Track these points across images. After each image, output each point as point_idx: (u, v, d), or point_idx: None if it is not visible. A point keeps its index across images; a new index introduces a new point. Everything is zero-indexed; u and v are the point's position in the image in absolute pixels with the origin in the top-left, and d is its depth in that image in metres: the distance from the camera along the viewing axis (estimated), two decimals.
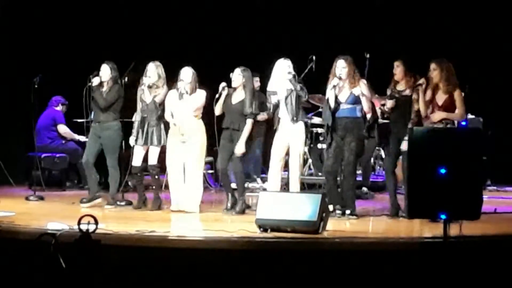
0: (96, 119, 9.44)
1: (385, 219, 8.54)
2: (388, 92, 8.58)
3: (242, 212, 8.87)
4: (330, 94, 8.50)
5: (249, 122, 8.89)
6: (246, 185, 10.88)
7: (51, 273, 6.35)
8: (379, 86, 9.13)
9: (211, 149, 9.77)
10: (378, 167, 11.62)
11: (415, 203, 6.77)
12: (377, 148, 11.08)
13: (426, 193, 6.59)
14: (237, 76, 8.92)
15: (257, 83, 10.43)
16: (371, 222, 8.40)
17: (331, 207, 8.14)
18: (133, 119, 9.37)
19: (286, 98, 8.81)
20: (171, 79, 9.20)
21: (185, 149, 9.01)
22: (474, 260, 6.62)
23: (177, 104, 9.05)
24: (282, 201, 7.45)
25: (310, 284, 6.60)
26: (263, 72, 9.32)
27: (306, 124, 9.01)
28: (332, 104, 8.49)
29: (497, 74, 11.77)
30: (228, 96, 8.95)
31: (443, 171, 6.53)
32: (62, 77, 11.46)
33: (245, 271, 6.65)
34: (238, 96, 8.94)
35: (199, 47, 12.31)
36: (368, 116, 8.58)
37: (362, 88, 8.42)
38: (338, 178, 8.81)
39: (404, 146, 8.28)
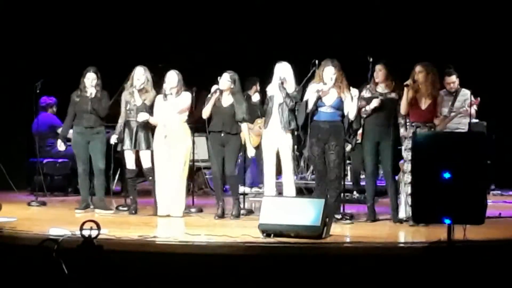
0: (85, 124, 9.39)
1: (388, 223, 8.51)
2: (364, 92, 8.57)
3: (238, 215, 8.87)
4: (311, 96, 8.45)
5: (244, 125, 8.92)
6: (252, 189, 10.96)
7: (54, 279, 6.32)
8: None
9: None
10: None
11: (419, 207, 6.74)
12: None
13: (430, 197, 6.57)
14: (225, 80, 8.90)
15: (255, 87, 10.43)
16: (375, 227, 8.37)
17: None
18: (119, 122, 9.37)
19: (280, 104, 8.82)
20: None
21: (170, 153, 8.99)
22: (478, 264, 6.59)
23: (162, 105, 9.04)
24: (285, 206, 7.43)
25: None
26: (265, 76, 9.31)
27: (297, 129, 8.96)
28: (310, 107, 8.45)
29: (501, 78, 11.73)
30: (218, 99, 8.93)
31: (447, 175, 6.51)
32: (62, 82, 11.43)
33: (248, 276, 6.63)
34: (228, 99, 8.94)
35: (198, 51, 12.30)
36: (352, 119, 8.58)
37: (352, 93, 8.44)
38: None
39: (405, 154, 8.30)
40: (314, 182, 10.79)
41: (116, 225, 8.10)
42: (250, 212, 9.22)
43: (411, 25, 11.89)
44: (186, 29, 12.50)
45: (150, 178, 9.21)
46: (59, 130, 11.21)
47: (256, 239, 7.16)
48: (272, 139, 8.93)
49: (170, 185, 8.98)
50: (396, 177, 8.63)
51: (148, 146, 9.17)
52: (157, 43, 12.24)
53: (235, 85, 8.94)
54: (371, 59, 8.63)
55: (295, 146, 9.45)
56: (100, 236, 6.52)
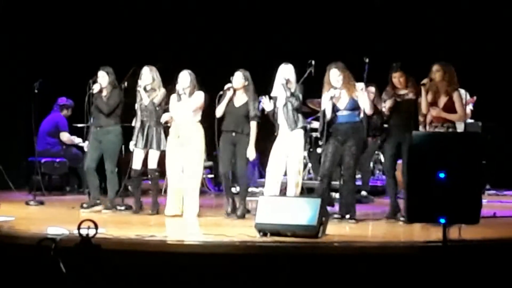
0: (97, 124, 9.44)
1: (384, 223, 8.55)
2: (384, 95, 8.63)
3: (243, 216, 8.87)
4: (327, 105, 8.51)
5: (254, 125, 8.91)
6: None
7: (51, 278, 6.35)
8: (379, 90, 9.16)
9: (211, 153, 9.77)
10: (377, 171, 11.64)
11: (414, 207, 6.78)
12: (376, 152, 11.10)
13: (425, 197, 6.60)
14: (239, 78, 8.93)
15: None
16: (371, 226, 8.40)
17: None
18: (133, 124, 9.39)
19: (283, 105, 8.83)
20: (171, 84, 9.21)
21: (183, 154, 9.00)
22: (473, 264, 6.63)
23: (176, 106, 9.07)
24: (281, 206, 7.45)
25: None
26: (261, 77, 9.33)
27: (305, 129, 9.00)
28: (328, 115, 8.51)
29: (496, 78, 11.77)
30: (230, 98, 8.95)
31: (442, 175, 6.53)
32: (62, 82, 11.47)
33: (245, 276, 6.65)
34: (240, 98, 8.95)
35: (199, 53, 12.32)
36: (374, 116, 8.68)
37: (358, 86, 8.46)
38: (336, 182, 8.82)
39: None
40: (311, 181, 10.94)
41: (114, 224, 8.13)
42: (246, 211, 9.23)
43: (409, 25, 11.92)
44: (186, 34, 12.54)
45: (153, 177, 9.23)
46: (61, 135, 11.29)
47: (252, 238, 7.19)
48: (281, 140, 8.89)
49: (183, 186, 8.98)
50: None
51: (158, 146, 9.19)
52: (156, 46, 12.25)
53: (249, 82, 8.96)
54: (367, 60, 8.66)
55: (308, 146, 9.40)
56: (97, 235, 6.54)
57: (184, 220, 8.81)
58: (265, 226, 7.34)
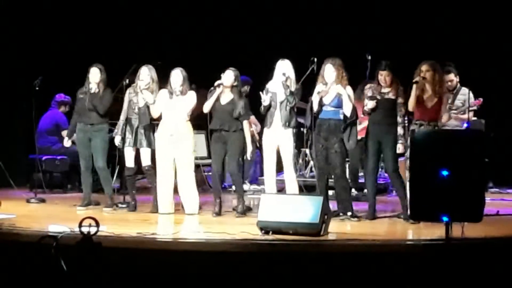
0: (87, 121, 9.40)
1: (387, 221, 8.53)
2: (369, 93, 8.60)
3: (244, 213, 8.85)
4: (315, 98, 8.54)
5: (245, 123, 8.93)
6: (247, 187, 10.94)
7: (52, 276, 6.34)
8: None
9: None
10: (380, 169, 11.55)
11: (417, 205, 6.76)
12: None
13: (428, 195, 6.58)
14: (230, 76, 8.93)
15: (248, 87, 10.48)
16: (373, 224, 8.37)
17: None
18: (120, 118, 9.36)
19: (281, 102, 8.85)
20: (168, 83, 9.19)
21: (176, 152, 8.99)
22: (476, 262, 6.61)
23: (168, 103, 9.04)
24: (283, 203, 7.44)
25: (312, 287, 6.58)
26: (261, 73, 9.32)
27: (298, 126, 8.96)
28: (315, 107, 8.52)
29: (499, 76, 11.74)
30: (218, 96, 8.95)
31: (445, 173, 6.52)
32: (62, 79, 11.44)
33: (247, 274, 6.64)
34: (227, 96, 8.95)
35: (198, 50, 12.30)
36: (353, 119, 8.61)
37: (348, 91, 8.45)
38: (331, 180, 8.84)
39: (400, 149, 8.31)
40: (313, 179, 10.89)
41: (115, 222, 8.11)
42: (248, 209, 9.22)
43: (411, 23, 11.89)
44: (185, 32, 12.51)
45: (150, 175, 9.22)
46: (63, 132, 11.26)
47: (254, 236, 7.17)
48: (272, 136, 8.93)
49: (180, 185, 8.97)
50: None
51: (149, 144, 9.17)
52: (156, 42, 12.23)
53: (238, 82, 8.98)
54: (369, 57, 8.64)
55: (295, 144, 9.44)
56: (99, 233, 6.54)
57: (186, 218, 8.79)
58: (267, 224, 7.32)
